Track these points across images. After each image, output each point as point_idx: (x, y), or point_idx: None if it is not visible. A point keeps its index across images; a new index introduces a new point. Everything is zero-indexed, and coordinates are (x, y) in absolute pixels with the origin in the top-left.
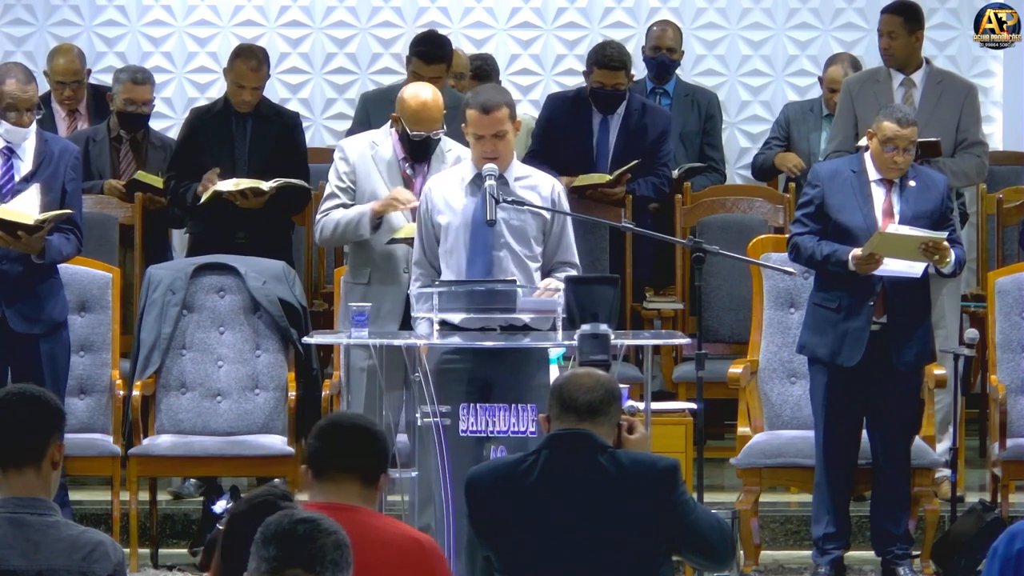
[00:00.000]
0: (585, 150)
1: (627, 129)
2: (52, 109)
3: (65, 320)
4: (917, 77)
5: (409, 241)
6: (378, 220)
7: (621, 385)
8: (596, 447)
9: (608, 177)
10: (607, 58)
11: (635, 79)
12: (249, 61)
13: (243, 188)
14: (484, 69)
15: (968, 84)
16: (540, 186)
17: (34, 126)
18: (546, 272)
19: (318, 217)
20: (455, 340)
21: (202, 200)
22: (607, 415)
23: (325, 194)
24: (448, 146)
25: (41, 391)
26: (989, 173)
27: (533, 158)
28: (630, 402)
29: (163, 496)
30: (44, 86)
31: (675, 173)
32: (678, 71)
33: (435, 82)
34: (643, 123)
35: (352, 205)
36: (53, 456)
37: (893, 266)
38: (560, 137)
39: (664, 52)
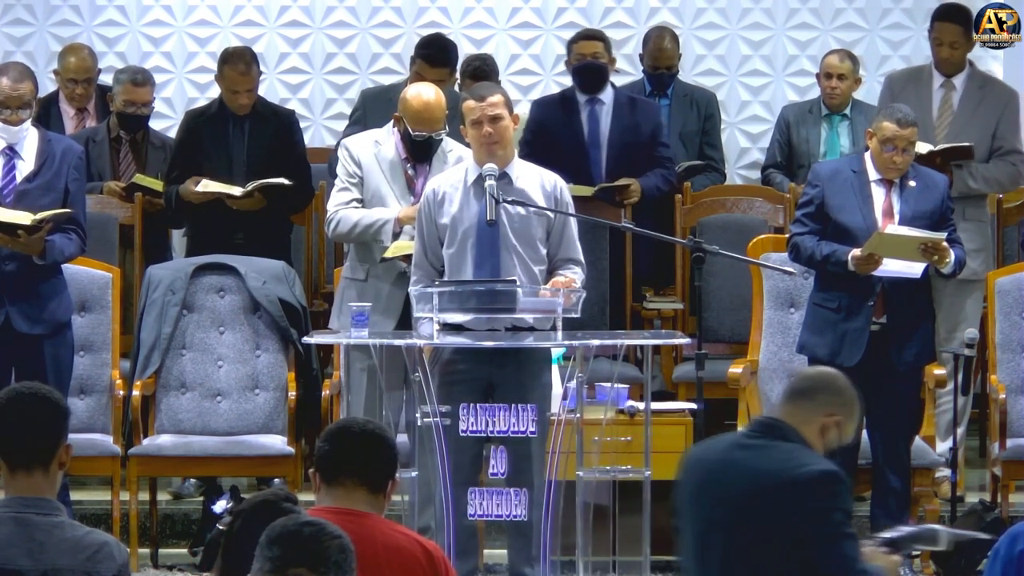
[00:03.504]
0: (577, 146)
1: (620, 123)
2: (60, 108)
3: (69, 320)
4: (958, 80)
5: (405, 259)
6: (399, 229)
7: (620, 385)
8: (778, 434)
9: (592, 189)
10: (584, 32)
11: (632, 80)
12: (237, 65)
13: (211, 191)
14: (483, 69)
15: (1010, 91)
16: (542, 182)
17: (33, 129)
18: (551, 270)
19: (332, 210)
20: (457, 340)
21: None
22: (813, 400)
23: (336, 188)
24: (450, 147)
25: (49, 391)
26: None
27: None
28: (630, 402)
29: (163, 496)
30: (50, 86)
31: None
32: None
33: (438, 86)
34: (635, 118)
35: (362, 200)
36: (61, 457)
37: (893, 266)
38: (550, 137)
39: (663, 70)
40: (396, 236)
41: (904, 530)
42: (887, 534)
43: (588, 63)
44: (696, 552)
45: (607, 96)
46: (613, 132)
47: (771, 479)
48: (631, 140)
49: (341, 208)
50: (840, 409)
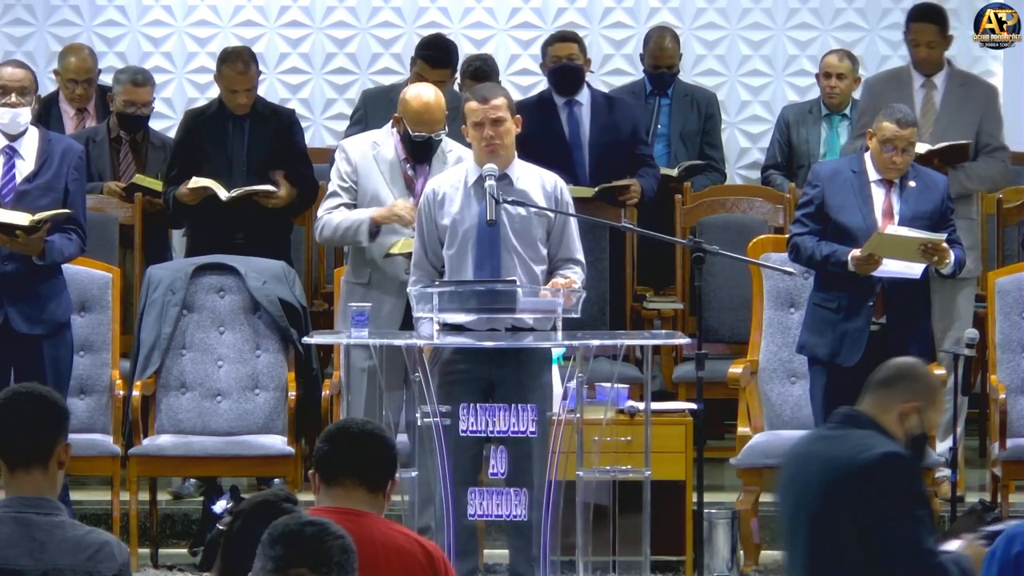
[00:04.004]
0: (559, 148)
1: (599, 123)
2: (60, 108)
3: (68, 320)
4: (938, 79)
5: (407, 255)
6: (376, 229)
7: (620, 385)
8: (853, 423)
9: (592, 191)
10: (559, 34)
11: (632, 80)
12: (235, 65)
13: (201, 185)
14: (484, 69)
15: (990, 87)
16: (542, 182)
17: (33, 129)
18: (551, 270)
19: (319, 215)
20: (457, 340)
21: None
22: (892, 389)
23: (327, 193)
24: (449, 147)
25: (47, 391)
26: None
27: None
28: (630, 402)
29: (163, 496)
30: (50, 86)
31: (675, 172)
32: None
33: (438, 87)
34: (613, 118)
35: (354, 205)
36: (60, 456)
37: (892, 267)
38: (531, 140)
39: (664, 69)
40: (373, 236)
41: (1008, 523)
42: (990, 527)
43: (564, 65)
44: (788, 544)
45: (584, 97)
46: (593, 132)
47: (841, 465)
48: (612, 140)
49: (326, 213)
50: (918, 396)
